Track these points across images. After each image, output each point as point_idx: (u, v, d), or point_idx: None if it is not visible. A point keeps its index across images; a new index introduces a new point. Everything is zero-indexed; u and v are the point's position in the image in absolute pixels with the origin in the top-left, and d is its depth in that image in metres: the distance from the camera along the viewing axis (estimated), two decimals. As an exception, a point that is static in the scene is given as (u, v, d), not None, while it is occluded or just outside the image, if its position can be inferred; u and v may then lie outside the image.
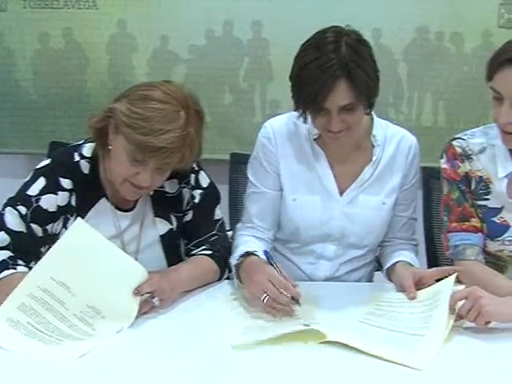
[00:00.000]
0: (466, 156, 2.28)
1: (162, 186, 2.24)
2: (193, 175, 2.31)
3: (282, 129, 2.43)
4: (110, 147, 2.08)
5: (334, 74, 2.08)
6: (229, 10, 4.02)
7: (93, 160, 2.18)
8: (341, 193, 2.40)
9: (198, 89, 3.95)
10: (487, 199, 2.28)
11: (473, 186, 2.29)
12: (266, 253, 2.19)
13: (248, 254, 2.23)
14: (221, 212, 2.41)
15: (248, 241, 2.40)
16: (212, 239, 2.34)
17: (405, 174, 2.43)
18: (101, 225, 2.12)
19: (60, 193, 2.13)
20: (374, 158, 2.39)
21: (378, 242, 2.51)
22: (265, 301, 1.99)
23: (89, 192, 2.18)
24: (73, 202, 2.16)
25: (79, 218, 2.02)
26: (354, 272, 2.50)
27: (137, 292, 1.95)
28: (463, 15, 4.04)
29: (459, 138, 2.31)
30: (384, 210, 2.43)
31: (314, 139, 2.39)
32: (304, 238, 2.44)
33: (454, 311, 1.94)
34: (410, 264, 2.34)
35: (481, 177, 2.27)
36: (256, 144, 2.46)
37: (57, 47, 4.12)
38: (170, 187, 2.27)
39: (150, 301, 1.98)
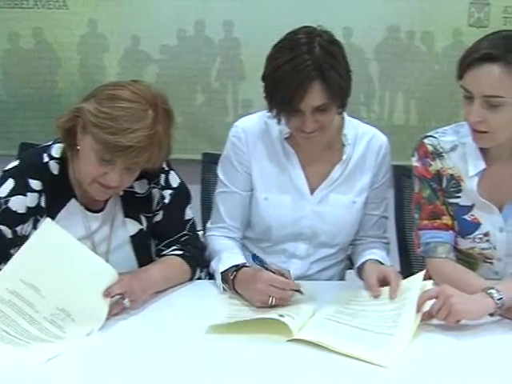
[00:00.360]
0: (437, 154, 2.28)
1: (132, 187, 2.22)
2: (163, 175, 2.29)
3: (253, 128, 2.42)
4: (78, 147, 2.06)
5: (308, 76, 2.09)
6: (200, 10, 4.01)
7: (62, 161, 2.16)
8: (312, 192, 2.40)
9: (170, 89, 3.98)
10: (458, 197, 2.28)
11: (444, 184, 2.29)
12: (254, 257, 2.17)
13: (238, 266, 2.22)
14: (192, 212, 2.40)
15: (227, 245, 2.40)
16: (183, 239, 2.33)
17: (375, 172, 2.44)
18: (71, 226, 2.10)
19: (29, 194, 2.10)
20: (344, 157, 2.39)
21: (349, 240, 2.51)
22: (273, 303, 2.02)
23: (58, 193, 2.15)
24: (42, 203, 2.13)
25: (48, 219, 2.00)
26: (326, 271, 2.50)
27: (107, 294, 1.93)
28: (434, 14, 4.08)
29: (430, 136, 2.31)
30: (354, 208, 2.43)
31: (285, 138, 2.39)
32: (275, 237, 2.44)
33: (421, 310, 1.95)
34: (380, 262, 2.35)
35: (452, 175, 2.28)
36: (227, 143, 2.45)
37: (27, 47, 4.09)
38: (140, 187, 2.25)
39: (121, 302, 1.97)
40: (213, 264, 2.32)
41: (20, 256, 1.92)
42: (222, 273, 2.20)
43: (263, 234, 2.46)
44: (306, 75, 2.08)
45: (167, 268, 2.22)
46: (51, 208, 2.14)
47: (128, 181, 2.10)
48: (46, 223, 1.98)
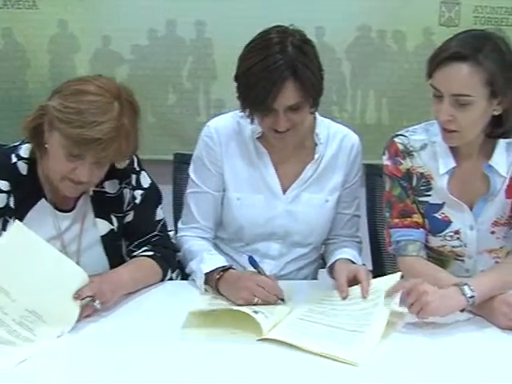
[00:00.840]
0: (408, 153, 2.29)
1: (103, 187, 2.22)
2: (134, 175, 2.29)
3: (225, 128, 2.42)
4: (46, 146, 2.05)
5: (281, 75, 2.09)
6: (172, 10, 4.00)
7: (30, 161, 2.15)
8: (284, 191, 2.40)
9: (141, 89, 3.94)
10: (429, 195, 2.30)
11: (414, 183, 2.30)
12: (250, 258, 2.20)
13: (225, 267, 2.22)
14: (162, 212, 2.39)
15: (204, 246, 2.41)
16: (154, 240, 2.32)
17: (347, 171, 2.45)
18: (40, 226, 2.10)
19: None
20: (316, 156, 2.40)
21: (322, 239, 2.52)
22: (257, 302, 2.03)
23: (27, 193, 2.14)
24: (11, 204, 2.12)
25: (17, 221, 1.99)
26: (300, 270, 2.51)
27: (77, 296, 1.92)
28: (405, 14, 4.09)
29: (401, 135, 2.32)
30: (327, 207, 2.44)
31: (258, 138, 2.39)
32: (248, 237, 2.44)
33: (391, 299, 1.98)
34: (351, 261, 2.35)
35: (422, 173, 2.29)
36: (198, 143, 2.45)
37: (-4, 48, 4.05)
38: (111, 187, 2.25)
39: (92, 304, 1.95)
40: (192, 265, 2.32)
41: None
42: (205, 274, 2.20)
43: (236, 233, 2.46)
44: (279, 75, 2.09)
45: (138, 269, 2.21)
46: (20, 208, 2.13)
47: (98, 176, 2.09)
48: (15, 226, 1.96)
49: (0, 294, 1.87)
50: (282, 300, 2.06)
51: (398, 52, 4.13)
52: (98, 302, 1.95)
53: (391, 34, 4.11)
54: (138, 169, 2.31)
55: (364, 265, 2.40)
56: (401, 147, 2.30)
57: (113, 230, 2.25)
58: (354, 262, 2.35)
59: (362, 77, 4.15)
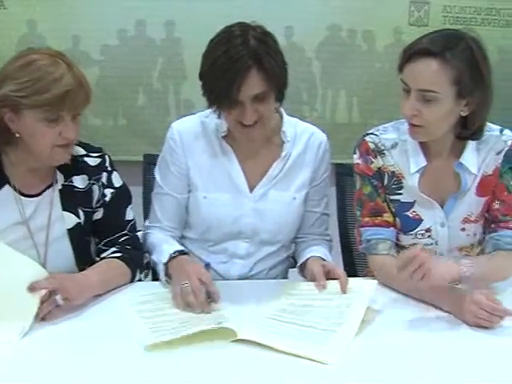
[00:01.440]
0: (379, 151, 2.31)
1: (71, 181, 2.24)
2: (105, 173, 2.31)
3: (189, 129, 2.42)
4: (17, 135, 2.08)
5: (245, 65, 2.10)
6: (141, 10, 3.98)
7: None
8: (251, 189, 2.40)
9: (111, 90, 3.99)
10: (400, 194, 2.31)
11: (385, 181, 2.32)
12: (207, 265, 2.22)
13: (181, 252, 2.25)
14: (133, 213, 2.39)
15: (167, 239, 2.41)
16: (122, 239, 2.31)
17: (315, 169, 2.46)
18: (4, 211, 2.14)
19: None
20: (283, 154, 2.40)
21: (291, 237, 2.52)
22: (183, 288, 2.03)
23: None
24: None
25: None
26: (270, 270, 2.50)
27: (32, 288, 1.92)
28: (375, 13, 4.12)
29: (372, 134, 2.34)
30: (295, 205, 2.44)
31: (223, 137, 2.39)
32: (215, 236, 2.44)
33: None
34: (322, 259, 2.35)
35: (393, 172, 2.30)
36: (164, 145, 2.46)
37: (-36, 48, 4.01)
38: (80, 182, 2.26)
39: (53, 299, 1.93)
40: (154, 258, 2.33)
41: None
42: (165, 264, 2.20)
43: (203, 233, 2.46)
44: (242, 64, 2.10)
45: (106, 271, 2.20)
46: None
47: (77, 131, 2.12)
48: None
49: None
50: (214, 300, 2.03)
51: (368, 51, 4.16)
52: (59, 296, 1.94)
53: (361, 34, 4.14)
54: (109, 168, 2.33)
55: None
56: (372, 146, 2.31)
57: (79, 223, 2.24)
58: (324, 260, 2.35)
59: (332, 76, 4.16)
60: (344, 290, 2.09)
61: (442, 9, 4.17)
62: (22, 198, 2.19)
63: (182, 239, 2.51)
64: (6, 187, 2.18)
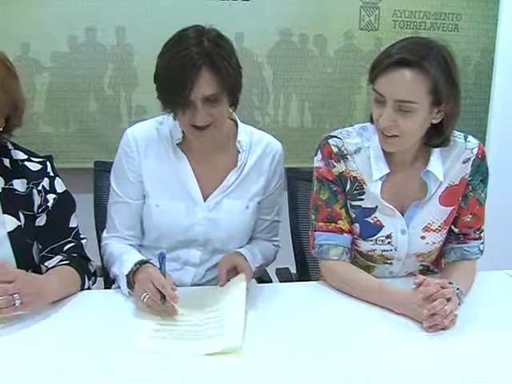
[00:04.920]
0: (342, 155, 2.29)
1: (11, 184, 2.23)
2: (46, 179, 2.29)
3: (143, 135, 2.40)
4: None
5: (196, 64, 2.10)
6: (91, 16, 3.94)
7: None
8: (205, 198, 2.39)
9: (62, 97, 3.95)
10: (361, 199, 2.30)
11: (348, 187, 2.30)
12: (161, 254, 2.14)
13: (142, 262, 2.21)
14: (76, 221, 2.36)
15: (127, 248, 2.39)
16: (67, 247, 2.29)
17: (269, 178, 2.46)
18: None
19: None
20: (239, 163, 2.40)
21: (243, 245, 2.49)
22: (144, 300, 2.03)
23: None
24: None
25: None
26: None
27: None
28: (325, 18, 4.14)
29: (335, 137, 2.31)
30: (247, 214, 2.44)
31: (178, 144, 2.38)
32: (168, 244, 2.42)
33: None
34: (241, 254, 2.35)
35: (355, 177, 2.29)
36: (118, 152, 2.42)
37: None
38: (19, 186, 2.24)
39: (10, 299, 1.91)
40: (114, 269, 2.30)
41: None
42: (127, 276, 2.18)
43: (156, 241, 2.44)
44: (194, 64, 2.10)
45: (62, 279, 2.18)
46: None
47: None
48: None
49: None
50: (164, 299, 2.02)
51: (319, 56, 4.18)
52: (17, 296, 1.92)
53: (312, 39, 4.15)
54: (51, 174, 2.31)
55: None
56: (335, 150, 2.29)
57: (20, 226, 2.22)
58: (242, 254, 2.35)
59: (283, 81, 4.17)
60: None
61: (392, 13, 4.21)
62: None
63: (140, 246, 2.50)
64: None
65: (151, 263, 2.20)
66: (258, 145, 2.45)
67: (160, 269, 2.10)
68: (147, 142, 2.39)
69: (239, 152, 2.41)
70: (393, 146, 2.17)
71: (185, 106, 2.16)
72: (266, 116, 4.15)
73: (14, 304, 1.91)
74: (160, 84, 2.20)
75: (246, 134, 2.44)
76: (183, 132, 2.35)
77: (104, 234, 2.50)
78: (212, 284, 2.41)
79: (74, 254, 2.29)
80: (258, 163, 2.44)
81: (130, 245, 2.44)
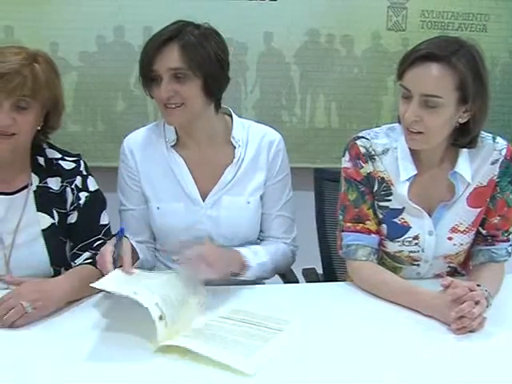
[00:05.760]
0: (370, 156, 2.28)
1: (46, 182, 2.27)
2: (79, 177, 2.33)
3: (139, 141, 2.45)
4: None
5: (165, 37, 2.19)
6: (119, 16, 3.96)
7: None
8: (204, 196, 2.41)
9: (90, 96, 3.96)
10: (389, 200, 2.29)
11: (375, 187, 2.30)
12: (121, 230, 2.16)
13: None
14: (108, 218, 2.39)
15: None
16: (97, 244, 2.31)
17: (268, 172, 2.45)
18: None
19: None
20: (235, 160, 2.40)
21: (249, 240, 2.49)
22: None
23: None
24: None
25: None
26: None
27: None
28: (353, 18, 4.12)
29: (363, 138, 2.30)
30: (249, 209, 2.44)
31: (172, 146, 2.41)
32: (174, 245, 2.38)
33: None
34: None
35: (383, 178, 2.28)
36: (119, 162, 2.48)
37: None
38: (54, 184, 2.29)
39: (22, 307, 1.91)
40: None
41: None
42: None
43: (163, 243, 2.48)
44: (163, 37, 2.19)
45: (78, 279, 2.16)
46: None
47: (22, 121, 2.13)
48: None
49: None
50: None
51: (346, 56, 4.17)
52: (27, 304, 1.92)
53: (339, 39, 4.14)
54: (84, 172, 2.36)
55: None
56: (363, 150, 2.28)
57: (54, 224, 2.25)
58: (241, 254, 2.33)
59: (311, 81, 4.16)
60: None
61: (419, 13, 4.18)
62: None
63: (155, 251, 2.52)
64: None
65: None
66: (254, 138, 2.46)
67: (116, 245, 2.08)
68: (142, 148, 2.43)
69: (235, 147, 2.42)
70: (417, 143, 2.16)
71: (154, 81, 2.23)
72: (293, 116, 4.14)
73: (26, 312, 1.92)
74: (139, 66, 2.27)
75: (243, 128, 2.45)
76: (177, 133, 2.39)
77: None
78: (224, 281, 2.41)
79: None
80: (256, 157, 2.44)
81: (145, 248, 2.46)
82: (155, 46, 2.19)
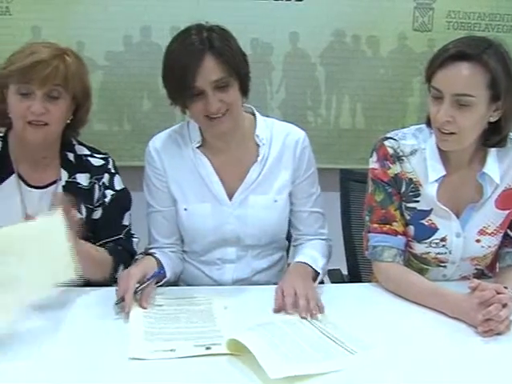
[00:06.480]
0: (398, 157, 2.27)
1: (75, 178, 2.32)
2: (107, 174, 2.38)
3: (164, 143, 2.45)
4: (10, 115, 2.23)
5: (197, 50, 2.14)
6: (146, 16, 3.98)
7: (4, 139, 2.31)
8: (230, 196, 2.41)
9: (116, 96, 3.98)
10: (417, 201, 2.29)
11: (403, 188, 2.29)
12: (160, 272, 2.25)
13: (147, 253, 2.32)
14: (130, 219, 2.43)
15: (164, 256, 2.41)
16: (115, 239, 2.35)
17: (295, 168, 2.45)
18: (7, 199, 2.23)
19: None
20: (259, 158, 2.40)
21: (278, 238, 2.51)
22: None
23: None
24: None
25: (60, 215, 1.98)
26: (265, 271, 2.50)
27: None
28: (379, 19, 4.11)
29: (391, 139, 2.30)
30: (276, 207, 2.44)
31: (197, 147, 2.41)
32: (202, 246, 2.45)
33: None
34: (307, 264, 2.33)
35: (411, 179, 2.27)
36: (145, 165, 2.48)
37: (-31, 54, 4.01)
38: (83, 180, 2.34)
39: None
40: None
41: (14, 228, 1.93)
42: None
43: (190, 244, 2.49)
44: (195, 50, 2.14)
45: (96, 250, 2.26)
46: None
47: (54, 111, 2.19)
48: (57, 214, 1.98)
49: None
50: (122, 300, 2.05)
51: (372, 57, 4.15)
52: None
53: (365, 39, 4.13)
54: (112, 170, 2.41)
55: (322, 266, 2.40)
56: (390, 151, 2.28)
57: (81, 219, 2.26)
58: (308, 265, 2.33)
59: (336, 81, 4.15)
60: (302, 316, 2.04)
61: (446, 14, 4.16)
62: (27, 187, 2.27)
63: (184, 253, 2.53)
64: (12, 177, 2.27)
65: (155, 257, 2.30)
66: (278, 137, 2.45)
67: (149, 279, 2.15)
68: (168, 150, 2.43)
69: (258, 146, 2.41)
70: (449, 144, 2.14)
71: (194, 96, 2.18)
72: (318, 117, 4.14)
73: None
74: (167, 78, 2.25)
75: (267, 127, 2.45)
76: (202, 135, 2.39)
77: (146, 247, 2.52)
78: (256, 279, 2.44)
79: (120, 247, 2.35)
80: (280, 155, 2.44)
81: (172, 251, 2.47)
82: (191, 61, 2.13)
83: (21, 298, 1.86)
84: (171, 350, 1.82)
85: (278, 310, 2.08)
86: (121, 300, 2.05)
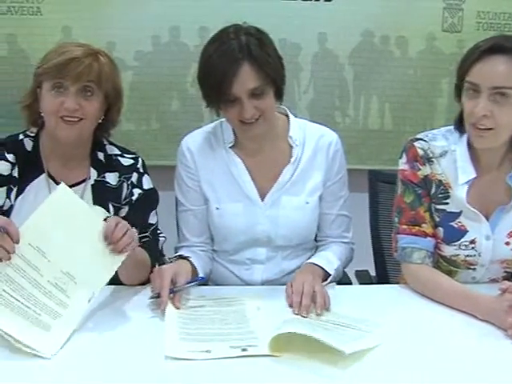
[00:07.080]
0: (427, 159, 2.27)
1: (104, 177, 2.35)
2: (135, 174, 2.40)
3: (197, 143, 2.47)
4: (41, 114, 2.27)
5: (235, 58, 2.14)
6: (175, 16, 4.00)
7: (36, 138, 2.34)
8: (263, 196, 2.42)
9: (145, 95, 4.01)
10: (446, 203, 2.28)
11: (433, 190, 2.29)
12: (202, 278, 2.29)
13: (181, 257, 2.33)
14: (156, 218, 2.44)
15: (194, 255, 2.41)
16: (143, 241, 2.34)
17: (327, 170, 2.46)
18: (37, 197, 2.24)
19: (3, 162, 2.25)
20: (292, 159, 2.41)
21: (308, 239, 2.52)
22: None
23: (30, 167, 2.29)
24: (15, 174, 2.27)
25: (62, 184, 2.03)
26: (293, 273, 2.44)
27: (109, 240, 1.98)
28: (408, 19, 4.09)
29: (421, 140, 2.29)
30: (308, 209, 2.45)
31: (230, 147, 2.42)
32: (232, 246, 2.47)
33: None
34: (317, 265, 2.34)
35: (440, 181, 2.27)
36: (177, 163, 2.50)
37: (0, 54, 4.04)
38: (111, 179, 2.37)
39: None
40: None
41: (31, 220, 1.94)
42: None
43: (221, 243, 2.50)
44: (233, 58, 2.14)
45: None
46: (22, 180, 2.28)
47: (88, 107, 2.24)
48: (60, 188, 2.01)
49: (38, 256, 1.92)
50: (157, 296, 2.08)
51: (400, 57, 4.13)
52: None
53: (394, 40, 4.11)
54: (141, 170, 2.43)
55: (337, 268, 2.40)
56: (420, 152, 2.28)
57: (109, 217, 2.27)
58: (319, 266, 2.33)
59: (364, 82, 4.14)
60: (318, 312, 2.07)
61: (475, 15, 4.12)
62: (56, 186, 2.25)
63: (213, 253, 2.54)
64: (43, 176, 2.31)
65: (190, 261, 2.31)
66: (311, 138, 2.46)
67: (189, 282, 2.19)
68: (201, 149, 2.45)
69: (292, 147, 2.41)
70: (485, 141, 2.12)
71: (228, 102, 2.20)
72: (346, 117, 4.13)
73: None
74: (203, 81, 2.24)
75: (300, 128, 2.45)
76: (235, 135, 2.39)
77: (176, 245, 2.55)
78: (284, 281, 2.39)
79: (147, 249, 2.34)
80: (313, 157, 2.45)
81: (202, 251, 2.49)
82: (229, 68, 2.14)
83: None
84: (207, 351, 1.83)
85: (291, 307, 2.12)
86: (156, 296, 2.08)
